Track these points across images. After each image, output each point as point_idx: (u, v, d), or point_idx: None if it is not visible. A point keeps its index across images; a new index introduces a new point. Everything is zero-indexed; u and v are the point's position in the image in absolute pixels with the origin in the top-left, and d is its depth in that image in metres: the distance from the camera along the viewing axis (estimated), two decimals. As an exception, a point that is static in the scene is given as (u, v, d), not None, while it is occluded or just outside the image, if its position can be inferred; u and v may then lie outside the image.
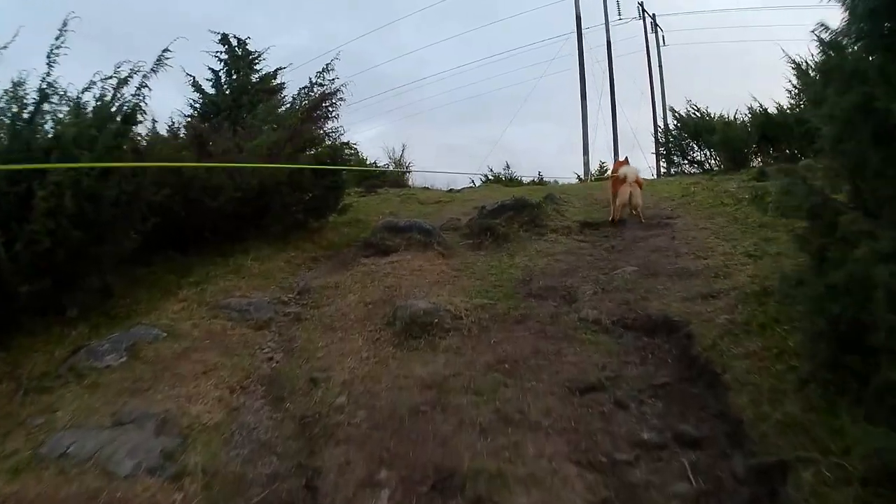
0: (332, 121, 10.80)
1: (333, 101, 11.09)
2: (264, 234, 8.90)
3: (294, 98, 11.63)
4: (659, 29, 33.56)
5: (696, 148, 21.29)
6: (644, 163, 35.23)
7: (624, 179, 8.46)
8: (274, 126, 9.32)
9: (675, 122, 21.79)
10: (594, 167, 33.70)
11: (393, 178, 22.35)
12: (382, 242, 8.37)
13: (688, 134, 21.16)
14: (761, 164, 15.84)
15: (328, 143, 10.70)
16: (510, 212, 8.88)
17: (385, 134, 66.13)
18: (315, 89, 11.28)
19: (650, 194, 11.53)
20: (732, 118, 16.32)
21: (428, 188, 20.72)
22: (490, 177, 34.00)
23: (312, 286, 7.40)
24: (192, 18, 70.69)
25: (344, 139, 10.75)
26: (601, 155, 51.02)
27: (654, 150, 34.00)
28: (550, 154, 52.26)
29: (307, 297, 7.09)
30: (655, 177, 21.97)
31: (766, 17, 55.09)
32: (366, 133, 71.08)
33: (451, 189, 18.17)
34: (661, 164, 27.90)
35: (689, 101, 21.33)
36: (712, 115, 20.89)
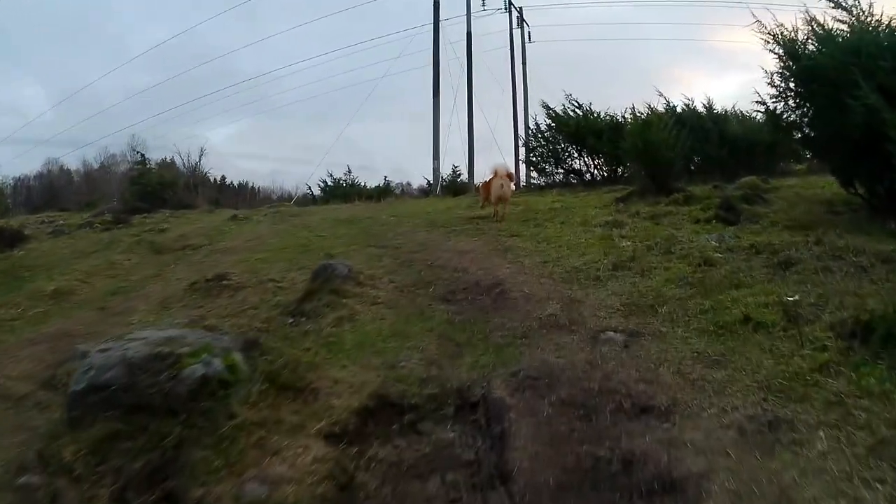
0: None
1: None
2: None
3: None
4: (525, 24, 28.77)
5: (576, 154, 15.98)
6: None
7: (495, 175, 7.67)
8: None
9: (548, 120, 16.27)
10: (446, 172, 28.32)
11: (178, 197, 14.90)
12: None
13: (565, 136, 15.70)
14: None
15: None
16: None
17: (243, 132, 56.70)
18: None
19: (541, 262, 5.45)
20: (650, 117, 10.82)
21: (213, 211, 13.62)
22: (329, 182, 27.75)
23: None
24: (59, 12, 55.65)
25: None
26: (456, 158, 45.80)
27: (516, 156, 29.64)
28: (406, 155, 46.42)
29: None
30: (517, 187, 16.42)
31: (638, 16, 52.48)
32: (222, 130, 60.96)
33: (235, 216, 11.22)
34: (528, 173, 22.97)
35: (568, 94, 15.79)
36: (598, 114, 15.64)
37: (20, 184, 47.02)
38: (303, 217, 9.81)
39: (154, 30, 58.79)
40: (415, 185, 31.03)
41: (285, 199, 28.67)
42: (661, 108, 14.06)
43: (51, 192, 38.19)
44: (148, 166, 15.20)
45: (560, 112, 15.83)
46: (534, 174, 18.28)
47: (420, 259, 5.51)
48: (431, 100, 22.44)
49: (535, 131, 16.63)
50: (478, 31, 26.19)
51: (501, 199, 7.63)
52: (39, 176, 45.22)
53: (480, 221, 7.71)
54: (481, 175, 28.05)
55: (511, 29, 28.91)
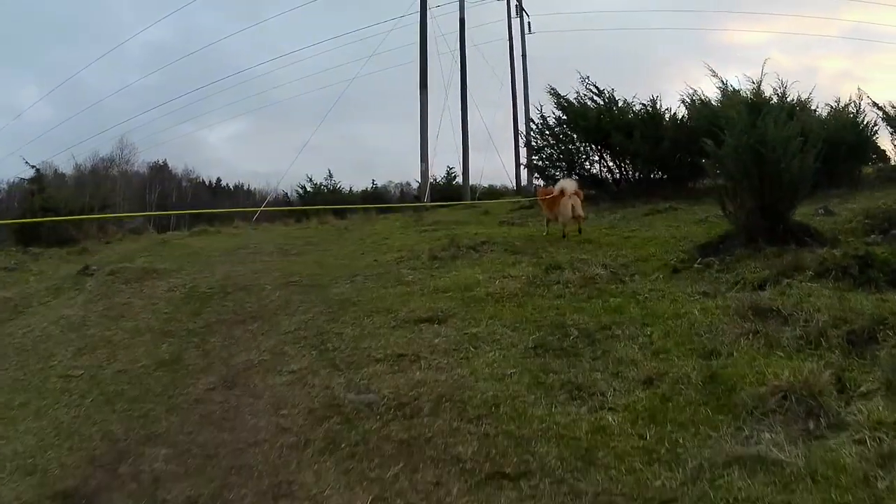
0: None
1: None
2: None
3: None
4: (525, 14, 24.23)
5: (597, 156, 11.33)
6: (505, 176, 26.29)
7: (562, 193, 6.12)
8: None
9: (558, 112, 11.61)
10: (440, 173, 23.97)
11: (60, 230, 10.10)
12: None
13: (582, 132, 11.05)
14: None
15: None
16: None
17: (242, 132, 51.65)
18: None
19: None
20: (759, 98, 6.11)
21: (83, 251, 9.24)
22: (309, 187, 23.56)
23: None
24: (55, 14, 50.63)
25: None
26: (449, 159, 40.63)
27: (516, 157, 24.64)
28: (408, 155, 41.69)
29: None
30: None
31: (637, 5, 46.94)
32: (221, 130, 56.51)
33: (86, 267, 6.83)
34: (530, 180, 18.35)
35: (584, 78, 11.15)
36: (626, 103, 10.95)
37: (13, 189, 42.57)
38: (135, 289, 5.29)
39: (150, 28, 54.01)
40: (413, 186, 26.97)
41: (264, 205, 24.44)
42: (711, 93, 9.80)
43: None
44: (42, 185, 10.60)
45: (573, 101, 11.23)
46: (538, 182, 13.67)
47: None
48: (418, 93, 18.12)
49: (540, 126, 11.97)
50: (472, 23, 21.92)
51: (575, 219, 6.23)
52: (35, 180, 40.71)
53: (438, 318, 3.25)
54: (476, 176, 23.63)
55: (510, 18, 24.30)
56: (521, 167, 23.59)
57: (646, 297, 3.58)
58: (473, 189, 21.39)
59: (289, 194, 24.88)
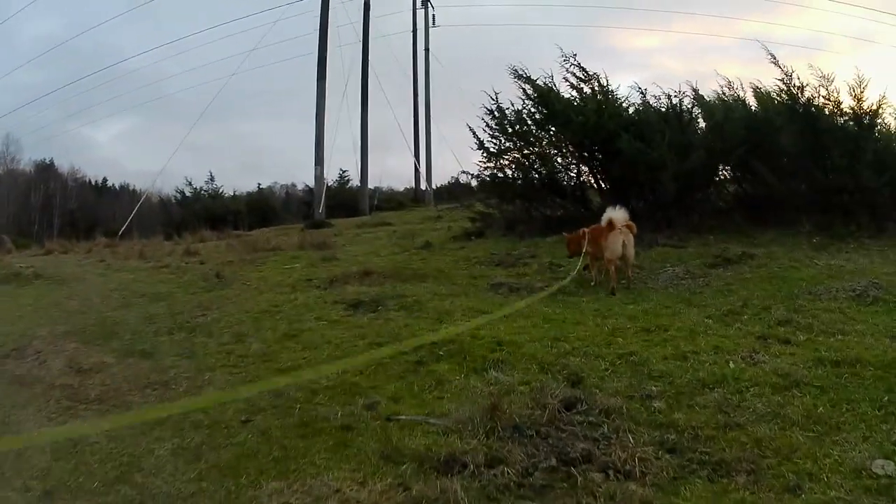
0: None
1: None
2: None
3: None
4: (430, 5, 21.23)
5: (584, 166, 7.68)
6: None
7: (610, 226, 4.88)
8: None
9: (528, 103, 7.77)
10: (332, 177, 20.41)
11: None
12: None
13: (570, 131, 7.33)
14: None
15: None
16: None
17: (131, 130, 43.71)
18: None
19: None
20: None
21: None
22: (187, 192, 19.39)
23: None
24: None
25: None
26: (341, 161, 36.03)
27: (416, 157, 20.25)
28: (300, 155, 36.75)
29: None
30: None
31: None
32: (113, 126, 48.65)
33: None
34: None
35: (569, 56, 7.44)
36: (621, 97, 7.45)
37: None
38: None
39: (36, 19, 43.78)
40: (300, 188, 23.21)
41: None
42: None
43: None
44: None
45: (548, 86, 7.46)
46: (482, 203, 8.97)
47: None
48: (316, 84, 14.34)
49: (497, 123, 7.92)
50: (377, 13, 19.23)
51: (624, 259, 4.96)
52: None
53: None
54: (373, 180, 20.09)
55: (415, 9, 20.96)
56: (419, 169, 20.15)
57: None
58: (371, 195, 17.86)
59: (172, 198, 20.50)
